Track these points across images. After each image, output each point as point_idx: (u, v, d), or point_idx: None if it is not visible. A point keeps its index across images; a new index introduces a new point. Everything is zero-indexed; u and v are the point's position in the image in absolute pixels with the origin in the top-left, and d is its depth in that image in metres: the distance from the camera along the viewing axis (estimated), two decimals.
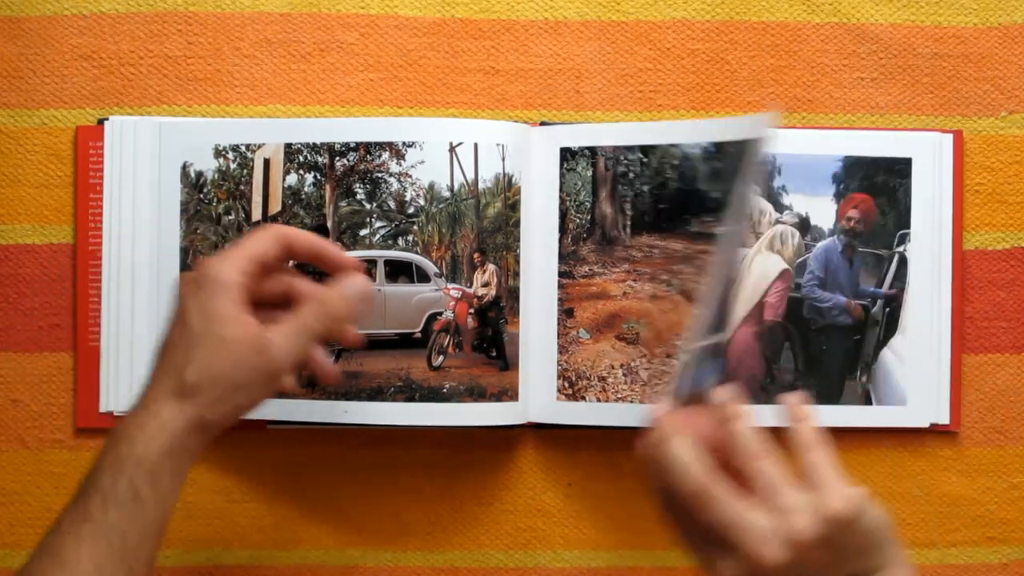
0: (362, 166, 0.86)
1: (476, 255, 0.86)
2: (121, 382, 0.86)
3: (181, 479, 0.65)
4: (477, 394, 0.84)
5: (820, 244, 0.87)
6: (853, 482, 0.64)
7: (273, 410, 0.84)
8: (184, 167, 0.86)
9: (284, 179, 0.86)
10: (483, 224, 0.86)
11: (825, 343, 0.88)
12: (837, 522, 0.62)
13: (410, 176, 0.85)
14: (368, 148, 0.85)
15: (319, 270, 0.73)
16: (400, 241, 0.86)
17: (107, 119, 0.86)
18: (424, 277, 0.86)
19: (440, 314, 0.86)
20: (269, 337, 0.66)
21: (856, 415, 0.87)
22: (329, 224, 0.86)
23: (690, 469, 0.65)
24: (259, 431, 0.87)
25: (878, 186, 0.87)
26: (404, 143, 0.85)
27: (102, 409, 0.86)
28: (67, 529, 0.62)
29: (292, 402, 0.84)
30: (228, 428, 0.67)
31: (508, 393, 0.85)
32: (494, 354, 0.86)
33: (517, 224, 0.86)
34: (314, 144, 0.86)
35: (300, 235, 0.71)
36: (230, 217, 0.87)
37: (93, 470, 0.64)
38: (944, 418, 0.88)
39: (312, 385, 0.84)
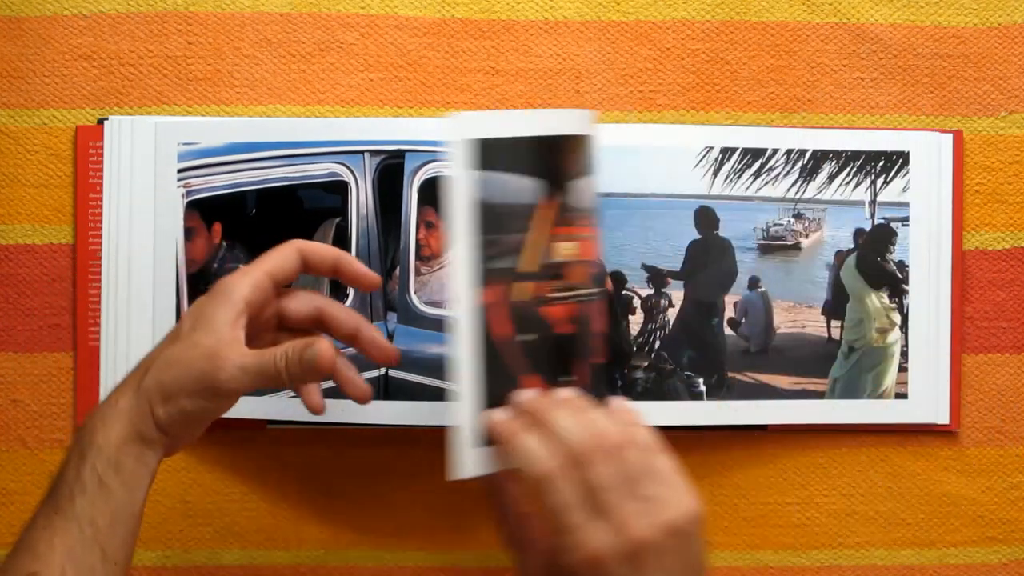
0: None
1: None
2: None
3: (148, 467, 0.66)
4: None
5: None
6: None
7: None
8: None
9: None
10: None
11: None
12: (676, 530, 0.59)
13: None
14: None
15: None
16: None
17: (107, 119, 0.86)
18: None
19: None
20: (227, 355, 0.66)
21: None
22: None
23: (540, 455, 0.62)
24: (259, 431, 0.87)
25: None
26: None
27: None
28: (40, 523, 0.64)
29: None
30: (185, 442, 0.69)
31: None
32: None
33: None
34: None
35: (316, 248, 0.71)
36: None
37: (61, 464, 0.66)
38: (944, 418, 0.88)
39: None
